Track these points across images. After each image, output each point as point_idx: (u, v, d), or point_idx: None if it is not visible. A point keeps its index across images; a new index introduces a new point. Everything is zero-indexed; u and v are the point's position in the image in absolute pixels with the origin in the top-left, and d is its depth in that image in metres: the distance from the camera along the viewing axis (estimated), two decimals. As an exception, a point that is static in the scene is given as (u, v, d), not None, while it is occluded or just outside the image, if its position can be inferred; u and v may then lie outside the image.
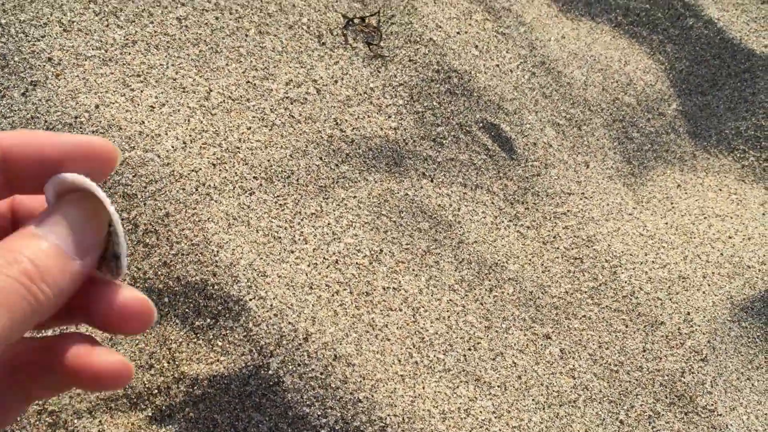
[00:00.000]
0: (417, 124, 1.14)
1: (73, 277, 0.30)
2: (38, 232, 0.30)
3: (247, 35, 1.10)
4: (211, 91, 1.02)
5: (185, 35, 1.05)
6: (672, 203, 1.33)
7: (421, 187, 1.11)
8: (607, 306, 1.12)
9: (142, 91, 0.98)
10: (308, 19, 1.15)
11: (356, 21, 1.17)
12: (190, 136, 0.97)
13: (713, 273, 1.23)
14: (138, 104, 0.96)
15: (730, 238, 1.29)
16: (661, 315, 1.14)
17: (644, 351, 1.09)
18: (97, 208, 0.32)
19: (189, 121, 0.98)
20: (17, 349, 0.33)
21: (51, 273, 0.29)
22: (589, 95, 1.36)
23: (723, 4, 1.51)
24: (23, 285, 0.28)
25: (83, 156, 0.32)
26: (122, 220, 0.89)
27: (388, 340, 0.94)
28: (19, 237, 0.30)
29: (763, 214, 1.36)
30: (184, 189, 0.92)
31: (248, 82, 1.06)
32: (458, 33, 1.25)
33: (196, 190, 0.93)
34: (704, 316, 1.16)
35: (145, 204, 0.90)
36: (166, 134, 0.95)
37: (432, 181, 1.12)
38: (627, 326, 1.11)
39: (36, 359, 0.33)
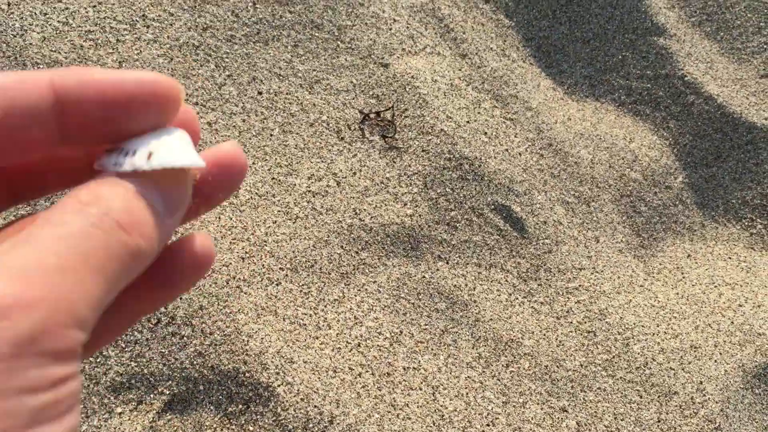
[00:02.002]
0: (431, 210, 1.22)
1: (162, 235, 0.27)
2: (125, 183, 0.26)
3: (271, 134, 1.19)
4: (240, 188, 1.12)
5: (215, 138, 1.15)
6: (682, 273, 1.38)
7: (438, 269, 1.18)
8: (621, 377, 1.17)
9: (177, 193, 1.07)
10: (327, 117, 1.25)
11: (372, 116, 1.27)
12: (221, 232, 1.06)
13: (725, 341, 1.27)
14: (174, 205, 1.06)
15: (740, 306, 1.33)
16: (674, 385, 1.18)
17: (659, 421, 1.13)
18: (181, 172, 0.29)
19: (219, 218, 1.07)
20: None
21: (147, 228, 0.26)
22: (596, 173, 1.43)
23: (722, 81, 1.58)
24: (120, 241, 0.25)
25: (151, 96, 0.28)
26: (159, 313, 0.97)
27: (409, 419, 1.00)
28: (105, 184, 0.26)
29: (774, 280, 1.40)
30: (215, 283, 1.00)
31: (273, 178, 1.15)
32: (468, 122, 1.34)
33: (227, 283, 1.01)
34: (717, 385, 1.20)
35: (180, 298, 0.98)
36: (199, 232, 1.04)
37: (447, 262, 1.19)
38: (641, 397, 1.15)
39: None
